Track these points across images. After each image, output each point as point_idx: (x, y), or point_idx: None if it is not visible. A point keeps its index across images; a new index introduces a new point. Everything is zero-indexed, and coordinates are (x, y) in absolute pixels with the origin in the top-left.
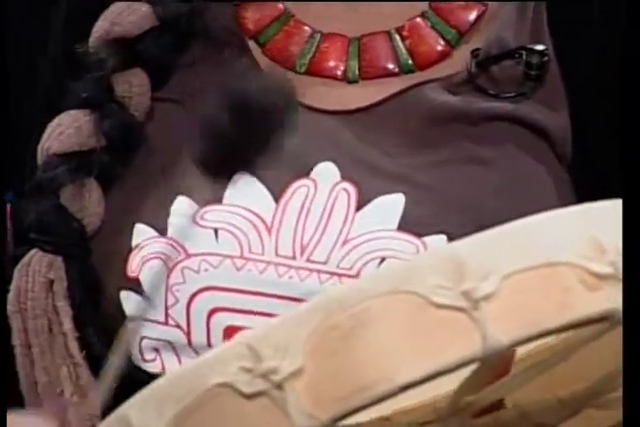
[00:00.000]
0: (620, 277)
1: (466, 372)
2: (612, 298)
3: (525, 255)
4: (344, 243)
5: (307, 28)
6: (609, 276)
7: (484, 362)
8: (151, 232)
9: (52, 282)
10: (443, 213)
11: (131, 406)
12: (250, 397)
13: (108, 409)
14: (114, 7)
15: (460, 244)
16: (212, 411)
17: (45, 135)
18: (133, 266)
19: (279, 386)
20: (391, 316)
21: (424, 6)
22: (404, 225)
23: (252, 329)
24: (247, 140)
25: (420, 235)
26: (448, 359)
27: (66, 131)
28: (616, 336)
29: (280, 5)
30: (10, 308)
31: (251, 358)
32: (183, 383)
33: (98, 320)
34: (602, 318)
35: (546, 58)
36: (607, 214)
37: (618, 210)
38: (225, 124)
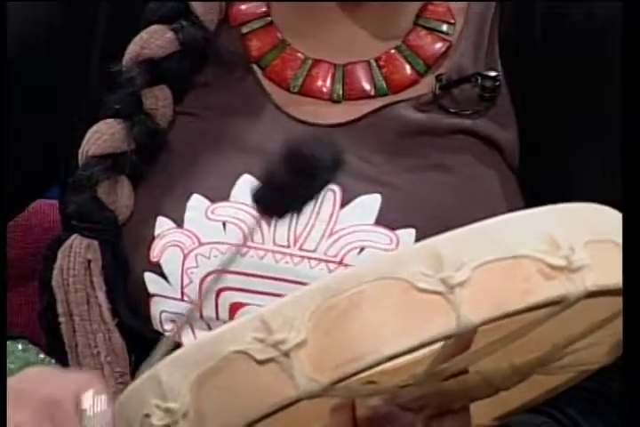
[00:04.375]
0: (572, 268)
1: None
2: (564, 285)
3: (493, 249)
4: (330, 235)
5: (300, 54)
6: (562, 267)
7: (456, 337)
8: (170, 224)
9: (89, 262)
10: (412, 211)
11: (161, 367)
12: (262, 362)
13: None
14: (143, 33)
15: (439, 239)
16: (229, 373)
17: (85, 140)
18: (155, 252)
19: (286, 354)
20: (380, 298)
21: (398, 41)
22: (380, 220)
23: (264, 306)
24: (299, 190)
25: (393, 228)
26: (428, 335)
27: (102, 137)
28: (563, 317)
29: (278, 35)
30: (54, 283)
31: (263, 331)
32: (206, 350)
33: (126, 294)
34: (556, 302)
35: (497, 82)
36: (562, 216)
37: (571, 212)
38: (283, 176)
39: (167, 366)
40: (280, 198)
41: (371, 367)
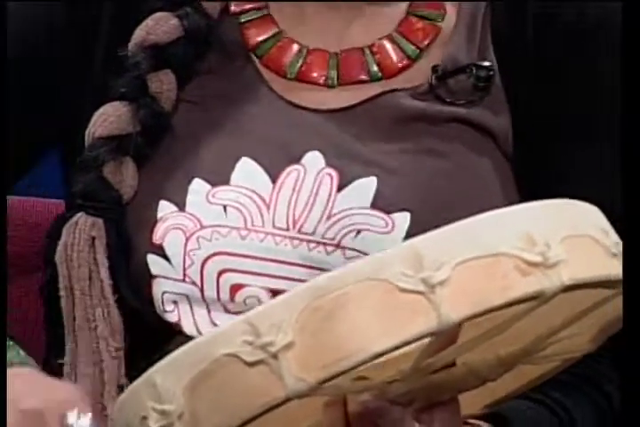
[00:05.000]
0: (548, 264)
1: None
2: (540, 281)
3: (471, 248)
4: (328, 218)
5: (296, 44)
6: (538, 263)
7: (439, 334)
8: (172, 207)
9: (93, 238)
10: (407, 195)
11: (155, 371)
12: (251, 364)
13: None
14: (149, 20)
15: (418, 240)
16: (221, 376)
17: (92, 122)
18: (158, 235)
19: (275, 356)
20: (364, 299)
21: (391, 30)
22: (376, 204)
23: (252, 310)
24: None
25: (388, 212)
26: (410, 333)
27: (108, 118)
28: (544, 309)
29: (275, 25)
30: (57, 258)
31: (252, 334)
32: (198, 353)
33: (129, 275)
34: (533, 297)
35: (491, 72)
36: (539, 213)
37: (548, 208)
38: None
39: (161, 369)
40: None
41: (357, 366)
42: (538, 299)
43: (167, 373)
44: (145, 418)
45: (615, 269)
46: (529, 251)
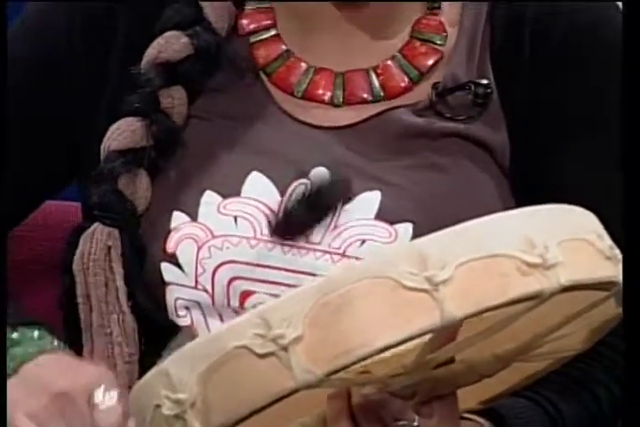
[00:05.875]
0: (547, 265)
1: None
2: (539, 281)
3: (474, 249)
4: (334, 228)
5: (303, 63)
6: (537, 265)
7: (441, 331)
8: (185, 218)
9: (109, 248)
10: (409, 207)
11: (169, 362)
12: (262, 356)
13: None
14: (160, 39)
15: (423, 240)
16: (232, 367)
17: (107, 136)
18: (171, 244)
19: (285, 348)
20: (371, 296)
21: (394, 51)
22: (380, 215)
23: (263, 304)
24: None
25: (391, 223)
26: (414, 329)
27: (123, 133)
28: (540, 309)
29: (283, 45)
30: (75, 266)
31: (263, 327)
32: (211, 345)
33: (143, 281)
34: (532, 297)
35: (489, 89)
36: (537, 217)
37: (546, 213)
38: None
39: (175, 360)
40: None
41: (363, 359)
42: (536, 299)
43: (181, 363)
44: (159, 406)
45: (609, 271)
46: (528, 253)
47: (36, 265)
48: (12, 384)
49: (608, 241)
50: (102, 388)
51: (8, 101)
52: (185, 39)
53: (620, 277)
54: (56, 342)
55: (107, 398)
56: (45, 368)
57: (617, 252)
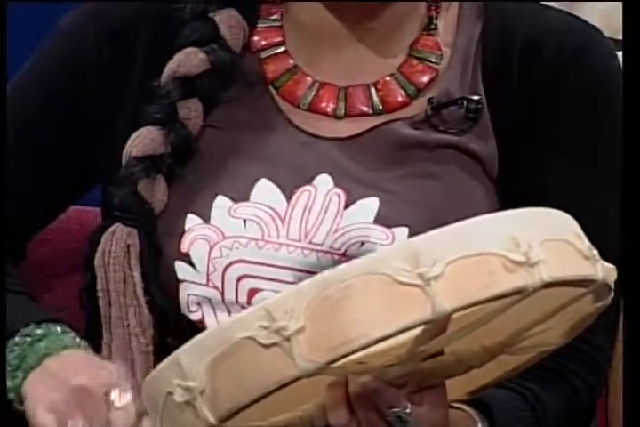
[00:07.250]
0: (530, 263)
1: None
2: (523, 278)
3: (463, 247)
4: (335, 231)
5: (309, 78)
6: (522, 262)
7: (432, 323)
8: (198, 220)
9: (129, 246)
10: (405, 212)
11: (181, 352)
12: (267, 346)
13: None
14: (179, 54)
15: (416, 239)
16: (239, 356)
17: (128, 143)
18: (185, 244)
19: (287, 339)
20: (367, 290)
21: (393, 68)
22: (378, 220)
23: (268, 298)
24: None
25: (389, 226)
26: (408, 321)
27: (143, 141)
28: (523, 305)
29: (291, 61)
30: (96, 263)
31: (267, 319)
32: (219, 337)
33: (159, 278)
34: (517, 292)
35: (480, 105)
36: (522, 218)
37: (529, 215)
38: None
39: (186, 351)
40: None
41: (360, 349)
42: (520, 294)
43: (191, 354)
44: (170, 393)
45: (588, 269)
46: (513, 251)
47: (57, 266)
48: (34, 377)
49: (587, 242)
50: (119, 387)
51: (7, 101)
52: (202, 55)
53: (597, 276)
54: (78, 339)
55: (122, 397)
56: (67, 363)
57: (595, 252)
